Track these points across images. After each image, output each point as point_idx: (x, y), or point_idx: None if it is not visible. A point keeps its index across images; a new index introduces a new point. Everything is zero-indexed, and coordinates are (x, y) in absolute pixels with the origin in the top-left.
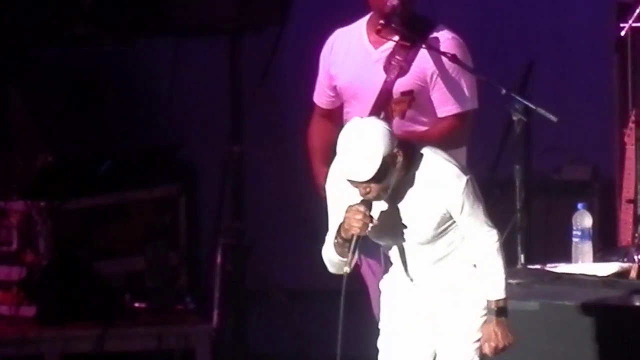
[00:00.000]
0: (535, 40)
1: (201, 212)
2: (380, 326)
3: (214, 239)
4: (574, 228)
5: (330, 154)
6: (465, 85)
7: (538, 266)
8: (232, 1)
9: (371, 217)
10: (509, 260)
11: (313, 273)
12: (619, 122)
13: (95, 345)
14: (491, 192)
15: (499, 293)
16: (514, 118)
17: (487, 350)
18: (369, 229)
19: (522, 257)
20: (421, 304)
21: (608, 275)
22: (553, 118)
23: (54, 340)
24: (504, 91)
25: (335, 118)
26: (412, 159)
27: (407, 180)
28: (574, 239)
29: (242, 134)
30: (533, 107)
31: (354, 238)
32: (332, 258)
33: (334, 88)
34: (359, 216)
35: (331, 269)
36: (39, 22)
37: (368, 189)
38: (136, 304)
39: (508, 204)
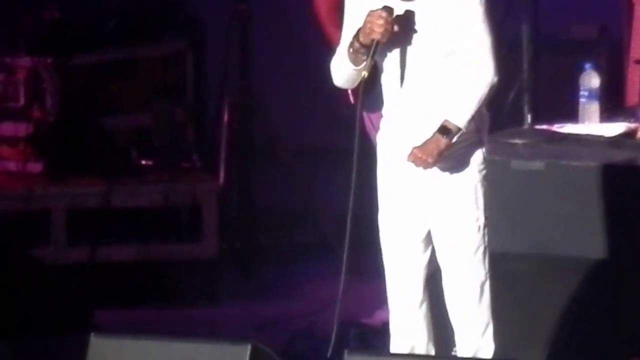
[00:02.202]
0: None
1: (209, 69)
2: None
3: (220, 97)
4: (581, 88)
5: (339, 14)
6: None
7: (545, 126)
8: None
9: (392, 23)
10: (516, 120)
11: (321, 131)
12: None
13: (102, 201)
14: (498, 51)
15: (459, 119)
16: None
17: (410, 156)
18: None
19: (529, 117)
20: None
21: (615, 135)
22: None
23: (61, 195)
24: None
25: None
26: None
27: None
28: (581, 99)
29: None
30: None
31: (374, 43)
32: (344, 68)
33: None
34: (381, 21)
35: (339, 80)
36: None
37: None
38: (143, 161)
39: (515, 64)
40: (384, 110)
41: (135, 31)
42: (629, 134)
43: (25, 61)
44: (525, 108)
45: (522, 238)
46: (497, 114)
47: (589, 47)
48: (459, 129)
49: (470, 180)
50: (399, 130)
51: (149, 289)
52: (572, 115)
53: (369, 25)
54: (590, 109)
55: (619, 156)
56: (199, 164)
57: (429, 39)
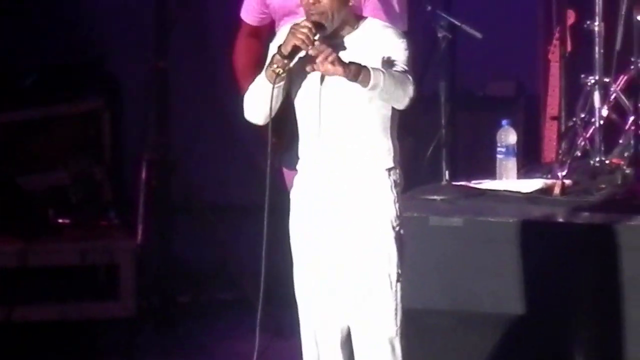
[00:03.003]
0: None
1: (126, 127)
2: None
3: (138, 154)
4: (499, 144)
5: (257, 71)
6: (397, 3)
7: (463, 182)
8: None
9: (315, 36)
10: (435, 176)
11: (241, 187)
12: (543, 38)
13: (19, 260)
14: (416, 107)
15: (375, 76)
16: (439, 35)
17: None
18: (312, 47)
19: (446, 174)
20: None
21: (532, 192)
22: (478, 35)
23: None
24: (429, 8)
25: (263, 36)
26: (357, 19)
27: (350, 36)
28: (499, 155)
29: (167, 49)
30: (458, 23)
31: (295, 51)
32: (259, 89)
33: (267, 6)
34: (305, 29)
35: (252, 106)
36: None
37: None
38: (60, 220)
39: (433, 120)
40: (299, 165)
41: (52, 89)
42: (546, 190)
43: None
44: (444, 164)
45: (442, 294)
46: (416, 169)
47: (506, 103)
48: (369, 80)
49: (383, 235)
50: (313, 182)
51: (66, 348)
52: (489, 171)
53: (292, 31)
54: (508, 165)
55: (537, 212)
56: (116, 221)
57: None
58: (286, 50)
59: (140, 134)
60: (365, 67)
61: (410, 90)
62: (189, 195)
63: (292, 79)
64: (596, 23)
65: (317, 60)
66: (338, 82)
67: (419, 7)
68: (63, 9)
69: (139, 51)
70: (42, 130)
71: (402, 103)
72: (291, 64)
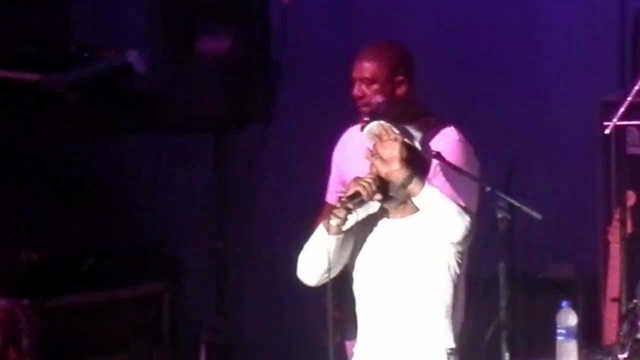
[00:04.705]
0: (519, 138)
1: (185, 309)
2: None
3: (197, 336)
4: (558, 326)
5: None
6: (464, 187)
7: None
8: (217, 99)
9: (377, 189)
10: (494, 359)
11: None
12: (603, 220)
13: None
14: (475, 290)
15: (428, 188)
16: (498, 216)
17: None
18: (374, 197)
19: (506, 356)
20: None
21: None
22: (537, 216)
23: None
24: (488, 189)
25: None
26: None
27: (408, 206)
28: (559, 338)
29: (226, 230)
30: (517, 204)
31: (355, 197)
32: (315, 241)
33: (344, 184)
34: (368, 179)
35: (308, 261)
36: (24, 118)
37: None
38: None
39: (492, 302)
40: (358, 336)
41: (111, 272)
42: None
43: (2, 303)
44: (503, 346)
45: None
46: (475, 352)
47: (565, 285)
48: (421, 184)
49: None
50: (372, 356)
51: None
52: (550, 353)
53: (355, 179)
54: (568, 347)
55: None
56: None
57: (415, 253)
58: (347, 195)
59: (199, 316)
60: (417, 178)
61: (467, 219)
62: None
63: (353, 251)
64: None
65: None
66: (400, 257)
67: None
68: (125, 194)
69: (198, 232)
70: (103, 313)
71: (457, 231)
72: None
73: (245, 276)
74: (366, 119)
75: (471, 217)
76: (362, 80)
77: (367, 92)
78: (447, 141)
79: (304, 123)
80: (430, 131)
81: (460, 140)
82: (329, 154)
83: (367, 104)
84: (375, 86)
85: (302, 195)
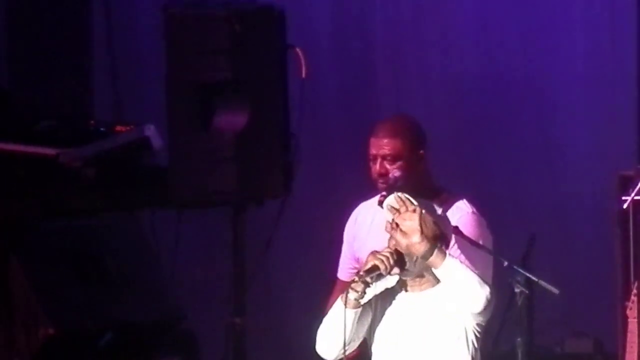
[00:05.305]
0: (537, 211)
1: None
2: None
3: None
4: None
5: None
6: (480, 260)
7: None
8: (235, 174)
9: (395, 262)
10: None
11: None
12: (621, 295)
13: None
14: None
15: (450, 260)
16: (516, 290)
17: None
18: (392, 271)
19: None
20: None
21: None
22: (555, 290)
23: None
24: (506, 263)
25: None
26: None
27: (426, 278)
28: None
29: (244, 306)
30: (535, 279)
31: (373, 271)
32: (334, 315)
33: (357, 259)
34: (386, 253)
35: (327, 335)
36: (40, 194)
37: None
38: None
39: None
40: None
41: (129, 348)
42: None
43: None
44: None
45: None
46: None
47: None
48: (442, 257)
49: None
50: None
51: None
52: None
53: (373, 253)
54: None
55: None
56: None
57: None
58: (365, 269)
59: None
60: (439, 249)
61: (487, 289)
62: None
63: (372, 324)
64: None
65: (401, 211)
66: (419, 330)
67: (496, 263)
68: (142, 268)
69: (216, 307)
70: None
71: (479, 301)
72: (370, 284)
73: (263, 351)
74: (384, 193)
75: (490, 288)
76: (385, 157)
77: (389, 168)
78: (460, 214)
79: (320, 197)
80: (443, 205)
81: (473, 213)
82: (340, 230)
83: (387, 180)
84: (399, 162)
85: (318, 269)
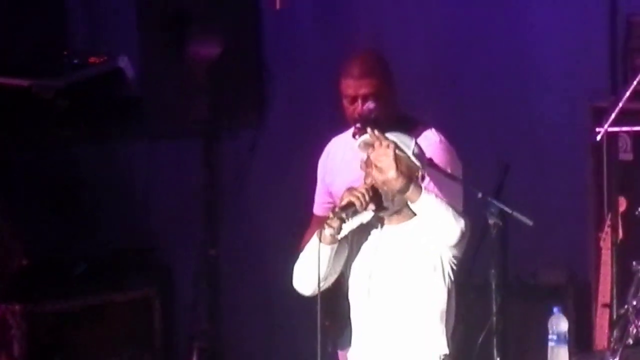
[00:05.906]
0: (510, 143)
1: (177, 315)
2: None
3: (189, 342)
4: (550, 332)
5: None
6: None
7: None
8: (207, 104)
9: (371, 199)
10: None
11: None
12: (594, 226)
13: None
14: (467, 296)
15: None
16: (490, 222)
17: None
18: (368, 207)
19: None
20: None
21: None
22: (529, 222)
23: None
24: (479, 195)
25: None
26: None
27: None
28: (550, 343)
29: (218, 237)
30: (509, 211)
31: (349, 207)
32: (310, 250)
33: (330, 194)
34: (362, 190)
35: (303, 271)
36: (14, 125)
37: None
38: None
39: (484, 308)
40: (353, 341)
41: (103, 278)
42: None
43: None
44: (495, 351)
45: None
46: (467, 357)
47: (557, 291)
48: (419, 191)
49: None
50: (367, 357)
51: None
52: (541, 358)
53: (349, 189)
54: (559, 352)
55: None
56: None
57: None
58: (340, 206)
59: (191, 322)
60: (415, 180)
61: (462, 222)
62: None
63: (348, 259)
64: None
65: (375, 148)
66: (396, 263)
67: (469, 194)
68: (116, 199)
69: (189, 238)
70: (94, 319)
71: (454, 234)
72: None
73: (237, 282)
74: (358, 125)
75: (465, 220)
76: (365, 96)
77: (372, 107)
78: (428, 143)
79: (295, 129)
80: (410, 134)
81: (441, 142)
82: (316, 163)
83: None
84: (382, 100)
85: (293, 201)
